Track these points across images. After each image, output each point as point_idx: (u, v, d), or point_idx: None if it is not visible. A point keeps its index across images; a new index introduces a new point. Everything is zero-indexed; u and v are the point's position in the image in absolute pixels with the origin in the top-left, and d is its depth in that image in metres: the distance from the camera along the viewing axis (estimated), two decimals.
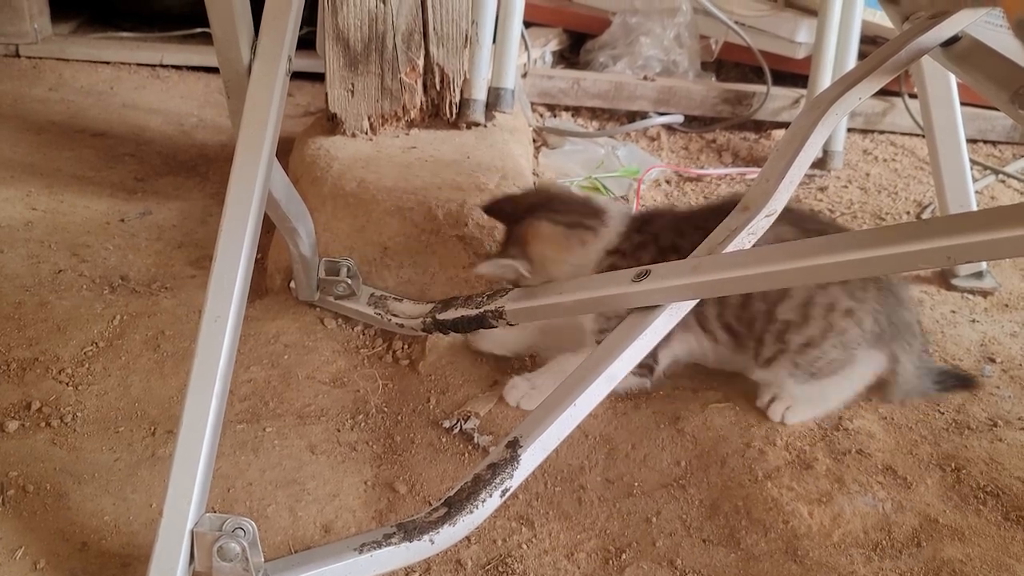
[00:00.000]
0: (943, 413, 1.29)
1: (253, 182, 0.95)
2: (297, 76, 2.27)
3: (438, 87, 1.69)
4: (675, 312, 1.07)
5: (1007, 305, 1.58)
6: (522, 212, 1.27)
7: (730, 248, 1.11)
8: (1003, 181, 2.07)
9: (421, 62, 1.64)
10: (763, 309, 1.18)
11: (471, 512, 0.93)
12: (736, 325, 1.20)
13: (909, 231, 0.91)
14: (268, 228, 1.52)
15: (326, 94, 1.63)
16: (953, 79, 1.54)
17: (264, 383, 1.26)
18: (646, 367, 1.22)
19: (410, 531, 0.93)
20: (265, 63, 0.99)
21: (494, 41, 1.75)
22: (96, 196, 1.77)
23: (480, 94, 1.72)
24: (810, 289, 1.15)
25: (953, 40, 1.25)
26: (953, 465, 1.19)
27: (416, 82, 1.66)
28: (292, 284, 1.44)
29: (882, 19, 2.10)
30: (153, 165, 1.94)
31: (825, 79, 2.00)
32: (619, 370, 1.02)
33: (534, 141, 2.01)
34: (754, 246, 1.13)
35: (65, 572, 0.96)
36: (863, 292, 1.17)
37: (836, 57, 2.00)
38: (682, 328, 1.15)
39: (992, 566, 1.03)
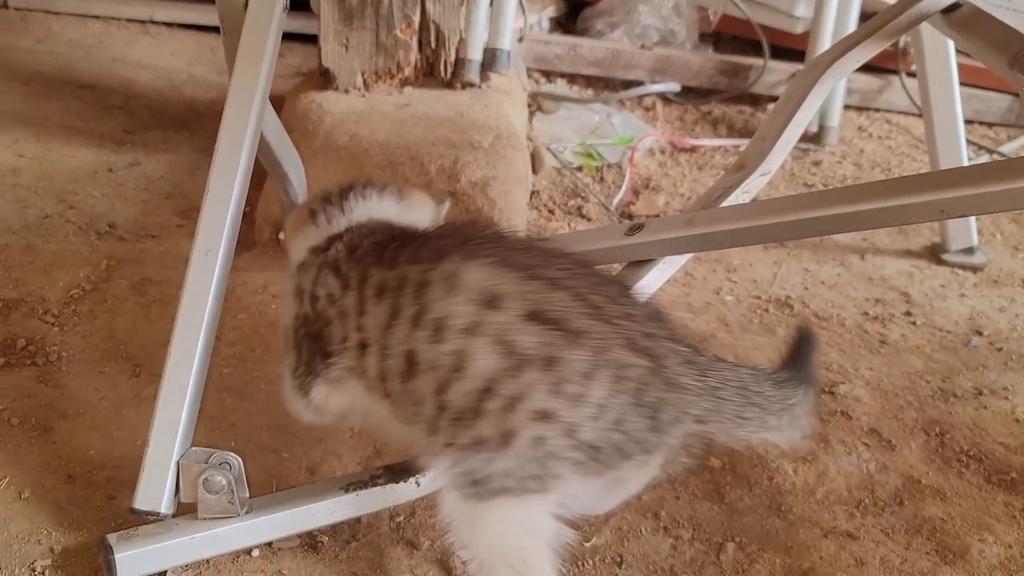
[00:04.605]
0: (929, 382, 1.29)
1: (247, 117, 0.94)
2: (289, 37, 2.26)
3: (433, 45, 1.67)
4: (668, 266, 1.07)
5: (996, 281, 1.59)
6: None
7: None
8: None
9: (417, 19, 1.63)
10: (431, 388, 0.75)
11: None
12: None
13: (903, 185, 0.91)
14: (257, 183, 1.50)
15: (319, 49, 1.62)
16: (953, 55, 1.54)
17: (251, 330, 1.25)
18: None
19: (397, 472, 0.93)
20: None
21: (491, 2, 1.73)
22: (84, 146, 1.75)
23: (476, 54, 1.70)
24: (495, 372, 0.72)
25: (954, 7, 1.25)
26: (938, 430, 1.20)
27: (411, 39, 1.64)
28: (281, 235, 1.43)
29: None
30: (142, 118, 1.91)
31: None
32: None
33: (529, 106, 2.00)
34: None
35: (50, 503, 0.95)
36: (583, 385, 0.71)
37: (834, 32, 2.00)
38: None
39: (972, 525, 1.04)
